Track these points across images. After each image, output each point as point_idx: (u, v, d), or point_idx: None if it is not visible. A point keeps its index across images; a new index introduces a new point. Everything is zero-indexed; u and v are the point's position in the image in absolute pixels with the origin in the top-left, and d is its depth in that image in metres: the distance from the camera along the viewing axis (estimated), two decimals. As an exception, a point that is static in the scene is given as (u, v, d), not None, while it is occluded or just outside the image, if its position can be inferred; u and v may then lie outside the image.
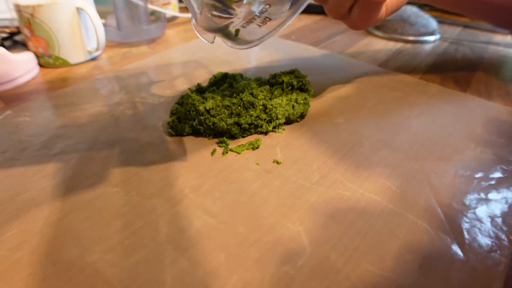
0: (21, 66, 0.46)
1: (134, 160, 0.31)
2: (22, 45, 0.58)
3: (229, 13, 0.27)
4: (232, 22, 0.28)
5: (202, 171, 0.30)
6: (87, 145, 0.33)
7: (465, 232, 0.25)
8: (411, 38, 0.60)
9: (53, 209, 0.26)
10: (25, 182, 0.29)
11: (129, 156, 0.32)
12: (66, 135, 0.35)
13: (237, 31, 0.28)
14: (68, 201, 0.27)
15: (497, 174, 0.30)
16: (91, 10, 0.48)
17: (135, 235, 0.24)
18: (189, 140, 0.34)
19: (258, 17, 0.27)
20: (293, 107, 0.35)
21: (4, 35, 0.58)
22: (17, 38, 0.60)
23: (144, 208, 0.26)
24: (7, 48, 0.55)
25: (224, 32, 0.29)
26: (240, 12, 0.27)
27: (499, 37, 0.64)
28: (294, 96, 0.36)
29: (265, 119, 0.33)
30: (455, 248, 0.24)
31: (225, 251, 0.23)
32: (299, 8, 0.27)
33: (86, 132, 0.35)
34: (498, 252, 0.23)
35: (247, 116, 0.33)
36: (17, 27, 0.57)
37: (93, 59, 0.53)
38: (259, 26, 0.28)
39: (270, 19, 0.28)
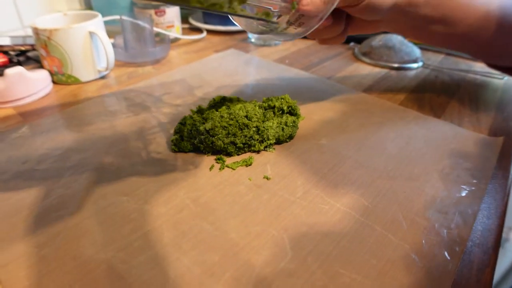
0: (37, 83, 0.50)
1: (142, 173, 0.36)
2: (34, 61, 0.62)
3: (272, 24, 0.36)
4: (275, 29, 0.36)
5: (201, 184, 0.34)
6: (99, 158, 0.38)
7: (424, 243, 0.29)
8: (395, 65, 0.65)
9: (71, 215, 0.31)
10: (45, 191, 0.33)
11: (137, 169, 0.36)
12: (80, 148, 0.39)
13: (279, 32, 0.37)
14: (84, 207, 0.31)
15: (458, 194, 0.35)
16: (102, 34, 0.53)
17: (143, 238, 0.28)
18: (190, 157, 0.38)
19: (294, 23, 0.35)
20: (282, 129, 0.39)
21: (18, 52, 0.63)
22: (30, 54, 0.64)
23: (150, 215, 0.30)
24: (21, 63, 0.59)
25: (269, 34, 0.38)
26: (280, 22, 0.36)
27: (479, 66, 0.69)
28: (284, 119, 0.40)
29: (257, 139, 0.38)
30: (414, 256, 0.28)
31: (219, 253, 0.27)
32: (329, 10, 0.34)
33: (97, 146, 0.40)
34: (450, 260, 0.28)
35: (242, 136, 0.37)
36: (31, 45, 0.62)
37: (102, 77, 0.58)
38: (295, 29, 0.36)
39: (303, 23, 0.35)
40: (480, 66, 0.69)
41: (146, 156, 0.38)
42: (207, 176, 0.35)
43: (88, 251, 0.27)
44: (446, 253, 0.28)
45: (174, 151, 0.39)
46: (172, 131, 0.42)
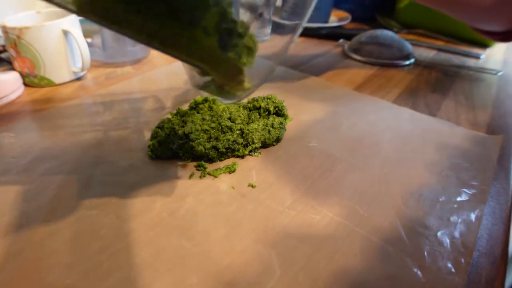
0: (6, 86, 0.47)
1: (114, 183, 0.32)
2: (7, 62, 0.58)
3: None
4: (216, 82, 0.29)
5: (180, 195, 0.31)
6: (70, 167, 0.34)
7: (426, 255, 0.26)
8: (386, 61, 0.63)
9: (34, 232, 0.27)
10: (6, 205, 0.30)
11: (109, 178, 0.33)
12: (49, 156, 0.36)
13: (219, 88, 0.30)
14: (48, 223, 0.28)
15: (459, 198, 0.32)
16: (77, 32, 0.49)
17: (113, 258, 0.25)
18: (168, 164, 0.35)
19: None
20: (269, 131, 0.36)
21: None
22: (2, 55, 0.60)
23: (122, 231, 0.27)
24: (-8, 66, 0.55)
25: (205, 89, 0.31)
26: None
27: (472, 61, 0.67)
28: (270, 120, 0.38)
29: (242, 143, 0.35)
30: (416, 270, 0.25)
31: (198, 274, 0.24)
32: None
33: (69, 153, 0.36)
34: (456, 274, 0.25)
35: (225, 140, 0.34)
36: (2, 46, 0.58)
37: (78, 79, 0.54)
38: None
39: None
40: (473, 62, 0.67)
41: (120, 164, 0.35)
42: (187, 185, 0.32)
43: (52, 274, 0.24)
44: (451, 265, 0.26)
45: (151, 158, 0.35)
46: (149, 135, 0.38)
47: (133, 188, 0.32)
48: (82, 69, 0.52)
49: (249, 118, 0.37)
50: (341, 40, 0.75)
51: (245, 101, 0.40)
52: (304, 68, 0.61)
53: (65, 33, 0.50)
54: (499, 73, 0.61)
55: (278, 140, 0.38)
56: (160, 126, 0.36)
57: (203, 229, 0.28)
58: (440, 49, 0.73)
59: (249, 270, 0.25)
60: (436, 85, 0.56)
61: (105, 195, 0.31)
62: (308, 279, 0.24)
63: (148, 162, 0.35)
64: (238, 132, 0.35)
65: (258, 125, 0.36)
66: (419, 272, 0.25)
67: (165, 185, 0.32)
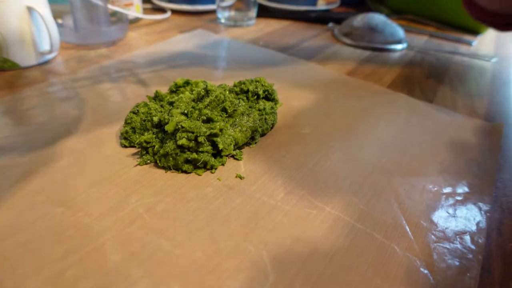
0: (-37, 68, 0.42)
1: (84, 175, 0.28)
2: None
3: None
4: None
5: (159, 188, 0.27)
6: (33, 157, 0.30)
7: (434, 253, 0.24)
8: (378, 46, 0.60)
9: (-14, 233, 0.23)
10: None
11: (78, 169, 0.29)
12: (10, 146, 0.32)
13: None
14: (3, 224, 0.24)
15: (464, 189, 0.30)
16: (43, 10, 0.45)
17: (79, 264, 0.21)
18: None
19: None
20: (265, 120, 0.33)
21: None
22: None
23: (91, 231, 0.24)
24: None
25: None
26: None
27: (464, 48, 0.65)
28: (261, 106, 0.34)
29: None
30: (424, 271, 0.22)
31: (180, 279, 0.21)
32: None
33: (33, 142, 0.32)
34: (468, 274, 0.23)
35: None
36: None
37: (47, 61, 0.50)
38: None
39: None
40: (465, 48, 0.65)
41: (90, 153, 0.31)
42: (166, 177, 0.29)
43: (4, 286, 0.20)
44: (461, 264, 0.23)
45: (124, 146, 0.32)
46: (122, 123, 0.34)
47: (105, 181, 0.28)
48: (51, 51, 0.48)
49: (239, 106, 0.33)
50: (330, 24, 0.71)
51: (231, 84, 0.37)
52: (292, 52, 0.57)
53: (30, 10, 0.45)
54: (493, 60, 0.59)
55: (272, 126, 0.34)
56: (135, 111, 0.32)
57: (186, 227, 0.24)
58: (431, 35, 0.71)
59: (238, 274, 0.21)
60: (430, 71, 0.54)
61: (72, 190, 0.27)
62: (306, 284, 0.21)
63: (121, 151, 0.31)
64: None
65: (255, 115, 0.32)
66: (428, 273, 0.22)
67: (140, 177, 0.28)
